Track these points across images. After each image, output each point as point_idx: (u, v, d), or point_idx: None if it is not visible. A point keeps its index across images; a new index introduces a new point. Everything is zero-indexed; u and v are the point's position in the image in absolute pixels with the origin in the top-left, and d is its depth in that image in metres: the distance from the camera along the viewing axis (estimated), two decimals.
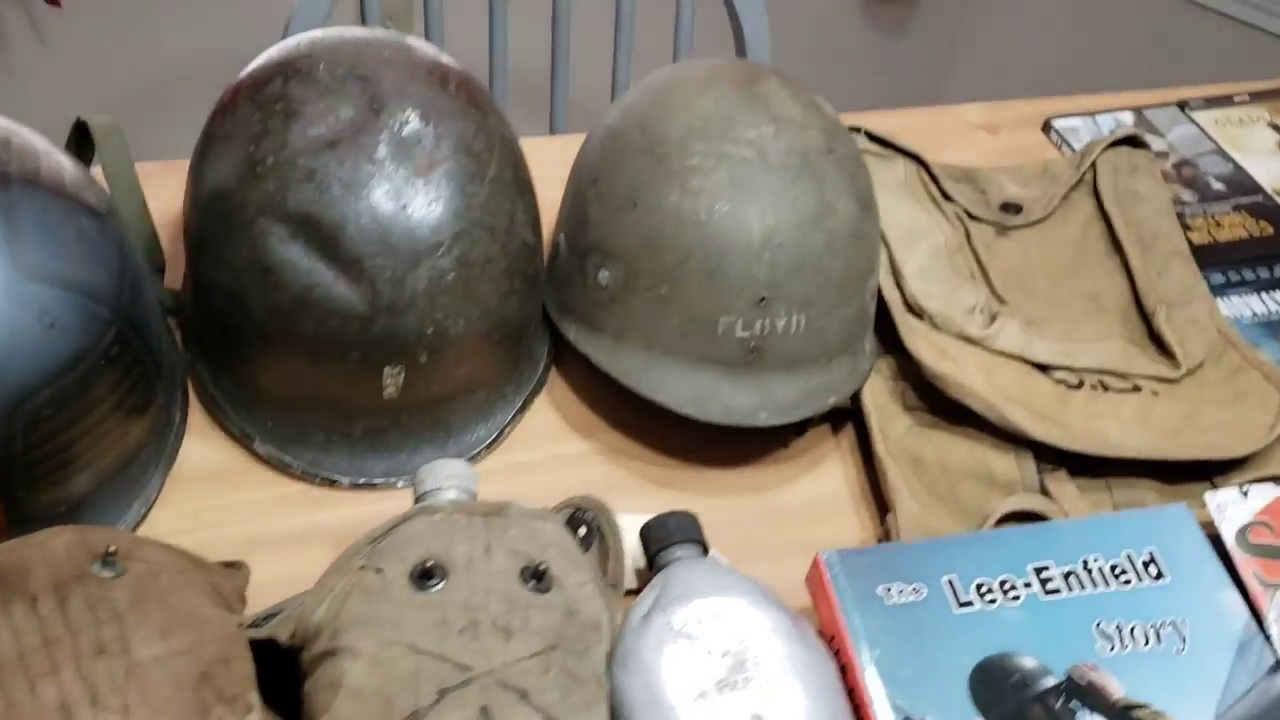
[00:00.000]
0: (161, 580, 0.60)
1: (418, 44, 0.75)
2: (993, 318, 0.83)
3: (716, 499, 0.78)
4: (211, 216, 0.71)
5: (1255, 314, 0.94)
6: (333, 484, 0.74)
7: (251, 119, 0.71)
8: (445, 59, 0.75)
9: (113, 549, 0.59)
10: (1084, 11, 2.04)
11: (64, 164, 0.68)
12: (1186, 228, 1.00)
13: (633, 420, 0.81)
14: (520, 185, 0.75)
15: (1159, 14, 1.94)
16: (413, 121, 0.70)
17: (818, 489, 0.79)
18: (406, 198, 0.69)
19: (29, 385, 0.62)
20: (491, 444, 0.77)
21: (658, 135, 0.75)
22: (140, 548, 0.61)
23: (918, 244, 0.88)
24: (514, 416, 0.78)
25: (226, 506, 0.73)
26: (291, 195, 0.68)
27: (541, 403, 0.82)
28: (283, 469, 0.74)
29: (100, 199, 0.69)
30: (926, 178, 0.94)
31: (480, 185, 0.71)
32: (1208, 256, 0.97)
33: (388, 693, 0.55)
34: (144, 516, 0.71)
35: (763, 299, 0.73)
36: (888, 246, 0.87)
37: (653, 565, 0.69)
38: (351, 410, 0.73)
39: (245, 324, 0.71)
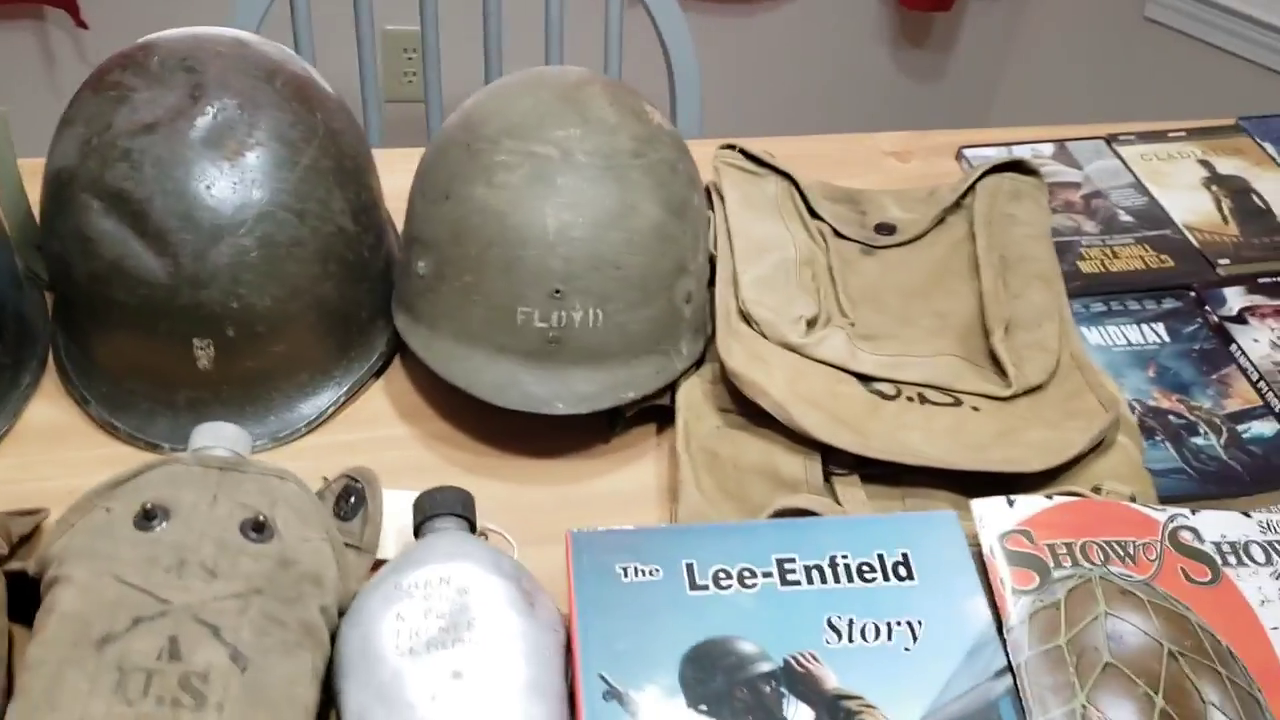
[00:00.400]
0: None
1: (261, 43, 0.81)
2: (810, 326, 0.85)
3: (525, 486, 0.80)
4: (51, 192, 0.78)
5: (1130, 343, 0.93)
6: (155, 448, 0.79)
7: (90, 104, 0.77)
8: (286, 58, 0.80)
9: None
10: (1118, 59, 2.02)
11: None
12: (1080, 257, 0.99)
13: (459, 409, 0.84)
14: (341, 175, 0.79)
15: (1210, 62, 1.92)
16: (229, 110, 0.75)
17: (628, 482, 0.81)
18: (211, 178, 0.74)
19: None
20: (313, 423, 0.81)
21: (476, 132, 0.79)
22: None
23: (764, 256, 0.90)
24: (340, 399, 0.83)
25: (56, 462, 0.79)
26: (109, 172, 0.74)
27: (377, 389, 0.86)
28: (111, 432, 0.80)
29: None
30: (797, 195, 0.96)
31: (290, 171, 0.76)
32: (1094, 284, 0.97)
33: (88, 617, 0.60)
34: None
35: (558, 291, 0.76)
36: (732, 256, 0.89)
37: (417, 535, 0.72)
38: (172, 380, 0.78)
39: (72, 291, 0.77)
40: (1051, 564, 0.70)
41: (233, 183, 0.74)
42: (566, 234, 0.76)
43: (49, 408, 0.82)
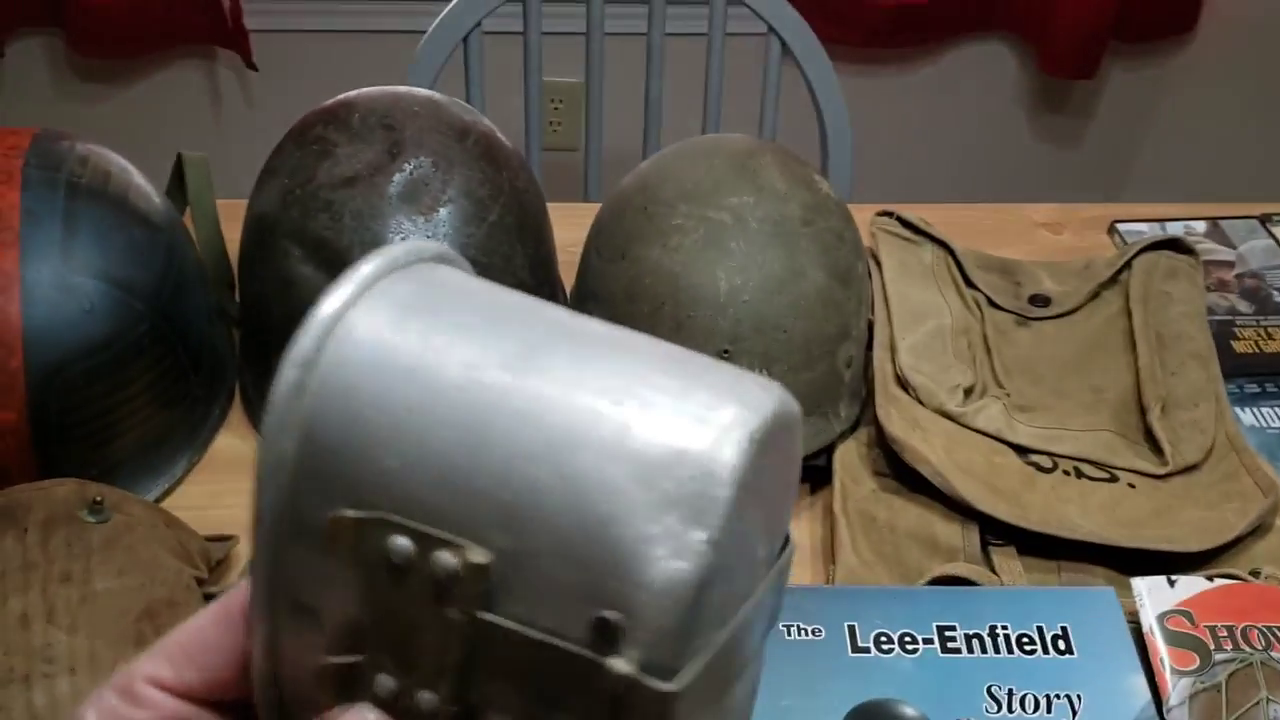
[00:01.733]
0: (135, 531, 0.69)
1: (451, 104, 0.85)
2: (967, 395, 0.86)
3: None
4: (253, 237, 0.82)
5: None
6: None
7: (293, 156, 0.82)
8: (475, 119, 0.85)
9: (100, 499, 0.69)
10: (1267, 134, 2.00)
11: (132, 183, 0.80)
12: (1233, 336, 0.99)
13: None
14: (524, 232, 0.83)
15: None
16: (424, 167, 0.79)
17: None
18: (406, 231, 0.78)
19: (66, 357, 0.74)
20: None
21: (653, 195, 0.82)
22: (127, 503, 0.71)
23: (922, 323, 0.91)
24: None
25: (243, 491, 0.83)
26: (310, 222, 0.79)
27: None
28: None
29: (160, 216, 0.81)
30: (952, 264, 0.98)
31: (478, 227, 0.80)
32: (1247, 365, 0.97)
33: None
34: (168, 491, 0.82)
35: (726, 350, 0.79)
36: (890, 323, 0.91)
37: None
38: None
39: (267, 330, 0.81)
40: (1212, 646, 0.70)
41: (425, 236, 0.78)
42: (736, 297, 0.79)
43: (236, 439, 0.87)
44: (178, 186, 0.95)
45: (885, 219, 0.99)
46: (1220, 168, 1.95)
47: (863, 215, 1.07)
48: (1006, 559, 0.78)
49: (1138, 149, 2.07)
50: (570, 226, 0.96)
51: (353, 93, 0.86)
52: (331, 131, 0.81)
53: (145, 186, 0.82)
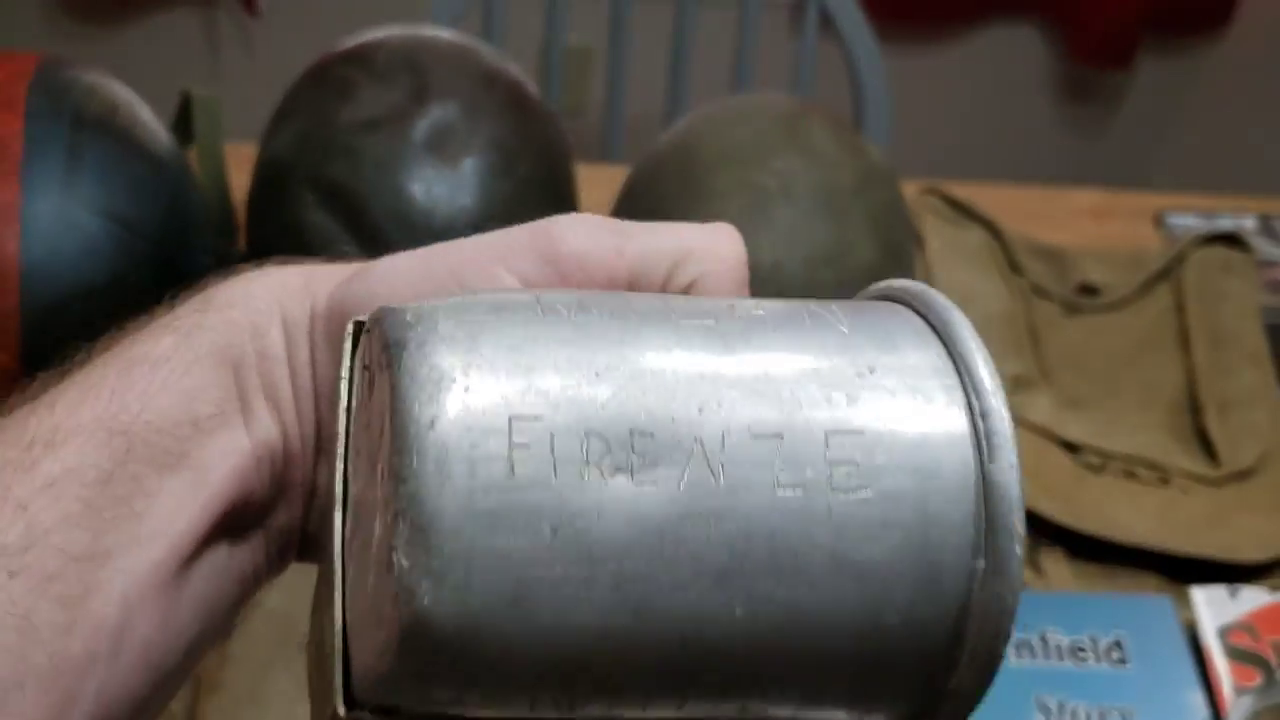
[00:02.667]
0: None
1: (479, 47, 0.80)
2: (1015, 385, 0.82)
3: None
4: (264, 179, 0.77)
5: None
6: None
7: (312, 97, 0.76)
8: (503, 66, 0.79)
9: None
10: None
11: (139, 118, 0.75)
12: None
13: None
14: (556, 188, 0.78)
15: None
16: (451, 113, 0.74)
17: None
18: (431, 181, 0.73)
19: (64, 298, 0.69)
20: None
21: (692, 157, 0.77)
22: None
23: (967, 308, 0.86)
24: None
25: None
26: (329, 167, 0.73)
27: None
28: None
29: (168, 153, 0.76)
30: (999, 248, 0.93)
31: (507, 181, 0.75)
32: None
33: (294, 616, 0.58)
34: None
35: None
36: None
37: None
38: None
39: None
40: (1276, 663, 0.66)
41: (450, 189, 0.73)
42: (777, 271, 0.74)
43: None
44: (181, 128, 0.90)
45: (929, 197, 0.94)
46: (1261, 160, 1.90)
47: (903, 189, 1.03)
48: (1055, 561, 0.74)
49: (1171, 141, 2.02)
50: (592, 187, 0.91)
51: (378, 32, 0.81)
52: (354, 71, 0.76)
53: (153, 122, 0.77)
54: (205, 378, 0.31)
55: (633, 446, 0.25)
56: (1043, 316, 0.90)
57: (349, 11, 1.81)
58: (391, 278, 0.31)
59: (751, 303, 0.29)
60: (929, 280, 0.88)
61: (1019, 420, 0.80)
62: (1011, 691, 0.64)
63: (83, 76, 0.74)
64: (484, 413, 0.25)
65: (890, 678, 0.27)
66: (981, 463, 0.26)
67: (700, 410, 0.26)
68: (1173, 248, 0.95)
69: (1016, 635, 0.66)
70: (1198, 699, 0.64)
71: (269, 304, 0.32)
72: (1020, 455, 0.26)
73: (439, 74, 0.76)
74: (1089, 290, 0.93)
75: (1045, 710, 0.63)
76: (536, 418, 0.25)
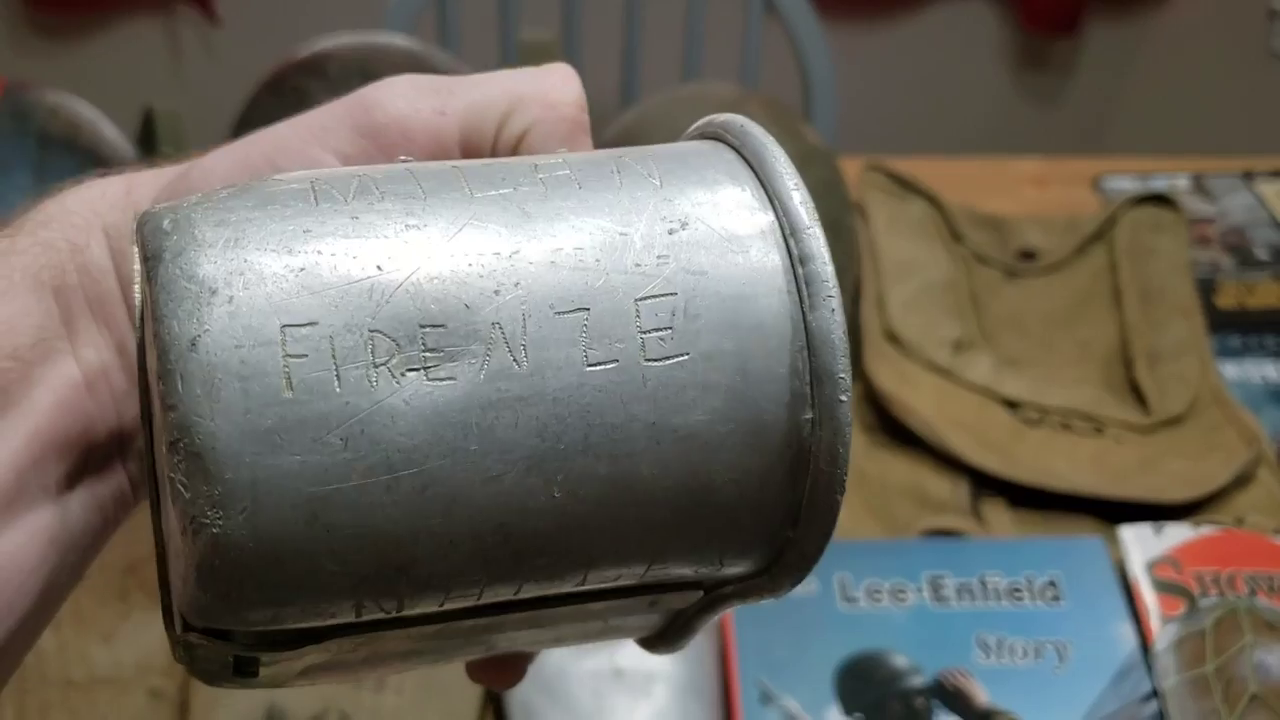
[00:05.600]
0: None
1: (432, 53, 0.84)
2: (956, 348, 0.86)
3: None
4: None
5: (1266, 380, 0.93)
6: None
7: (270, 108, 0.80)
8: (457, 68, 0.83)
9: None
10: (1243, 91, 2.01)
11: (104, 136, 0.79)
12: (1214, 291, 1.00)
13: None
14: None
15: None
16: None
17: None
18: None
19: None
20: None
21: (638, 144, 0.81)
22: None
23: (910, 277, 0.91)
24: None
25: None
26: None
27: None
28: None
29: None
30: (940, 218, 0.97)
31: None
32: (1231, 320, 0.97)
33: None
34: None
35: None
36: (878, 276, 0.90)
37: None
38: None
39: None
40: (1198, 593, 0.70)
41: None
42: None
43: None
44: (145, 142, 0.93)
45: (873, 174, 0.98)
46: (1202, 123, 1.95)
47: (846, 168, 1.07)
48: (996, 511, 0.78)
49: (1119, 105, 2.07)
50: None
51: (329, 42, 0.84)
52: (308, 80, 0.80)
53: (117, 139, 0.81)
54: (21, 305, 0.28)
55: (424, 341, 0.23)
56: (983, 282, 0.94)
57: (308, 15, 1.84)
58: (212, 174, 0.29)
59: (557, 159, 0.27)
60: (874, 252, 0.92)
61: (960, 381, 0.85)
62: (953, 632, 0.68)
63: (46, 97, 0.78)
64: (251, 324, 0.23)
65: (729, 535, 0.26)
66: (803, 312, 0.25)
67: (496, 292, 0.24)
68: (1107, 210, 1.00)
69: (957, 580, 0.70)
70: (1127, 629, 0.69)
71: (87, 217, 0.30)
72: (842, 300, 0.25)
73: None
74: (1028, 255, 0.97)
75: (985, 648, 0.68)
76: (311, 323, 0.23)
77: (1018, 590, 0.70)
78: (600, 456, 0.24)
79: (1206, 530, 0.74)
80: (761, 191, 0.26)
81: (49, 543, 0.29)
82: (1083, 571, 0.71)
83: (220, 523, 0.23)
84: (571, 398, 0.24)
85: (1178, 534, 0.72)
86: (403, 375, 0.23)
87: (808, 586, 0.70)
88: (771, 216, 0.26)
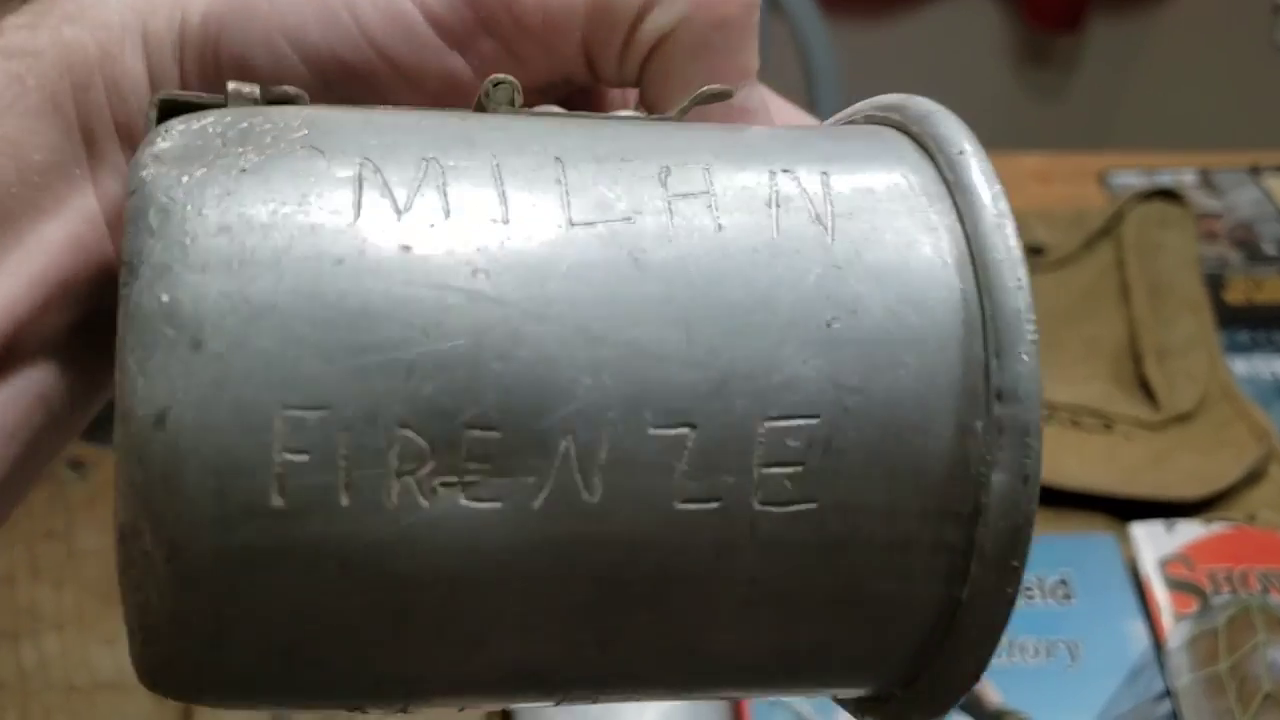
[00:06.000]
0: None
1: None
2: None
3: None
4: None
5: (1276, 375, 0.93)
6: None
7: None
8: None
9: (81, 458, 0.68)
10: (1247, 86, 2.00)
11: None
12: (1223, 287, 0.99)
13: None
14: None
15: None
16: None
17: None
18: None
19: None
20: None
21: None
22: (109, 462, 0.69)
23: None
24: None
25: None
26: None
27: None
28: None
29: None
30: None
31: None
32: (1240, 316, 0.96)
33: None
34: None
35: None
36: None
37: None
38: None
39: None
40: (1210, 590, 0.70)
41: None
42: None
43: None
44: None
45: None
46: (1207, 117, 1.94)
47: None
48: None
49: (1124, 100, 2.06)
50: None
51: None
52: None
53: None
54: (34, 120, 0.23)
55: (469, 448, 0.17)
56: None
57: None
58: (281, 5, 0.23)
59: (698, 169, 0.19)
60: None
61: None
62: None
63: None
64: (241, 401, 0.17)
65: (849, 668, 0.21)
66: (985, 463, 0.19)
67: (571, 384, 0.17)
68: (1114, 205, 0.99)
69: None
70: (1139, 628, 0.68)
71: (125, 16, 0.24)
72: (1039, 473, 0.19)
73: None
74: (1034, 251, 0.97)
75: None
76: (323, 406, 0.17)
77: (1028, 589, 0.70)
78: (674, 615, 0.18)
79: (1218, 527, 0.73)
80: (969, 265, 0.19)
81: (39, 402, 0.24)
82: (1094, 569, 0.71)
83: (173, 643, 0.19)
84: (651, 543, 0.18)
85: (1189, 531, 0.72)
86: (433, 491, 0.17)
87: None
88: (977, 316, 0.19)
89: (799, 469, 0.18)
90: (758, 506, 0.18)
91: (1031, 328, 0.19)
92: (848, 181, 0.20)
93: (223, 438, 0.17)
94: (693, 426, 0.17)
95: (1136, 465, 0.80)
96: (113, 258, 0.24)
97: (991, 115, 2.07)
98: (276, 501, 0.17)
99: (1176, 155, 1.13)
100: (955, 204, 0.20)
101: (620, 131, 0.20)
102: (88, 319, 0.24)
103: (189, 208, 0.18)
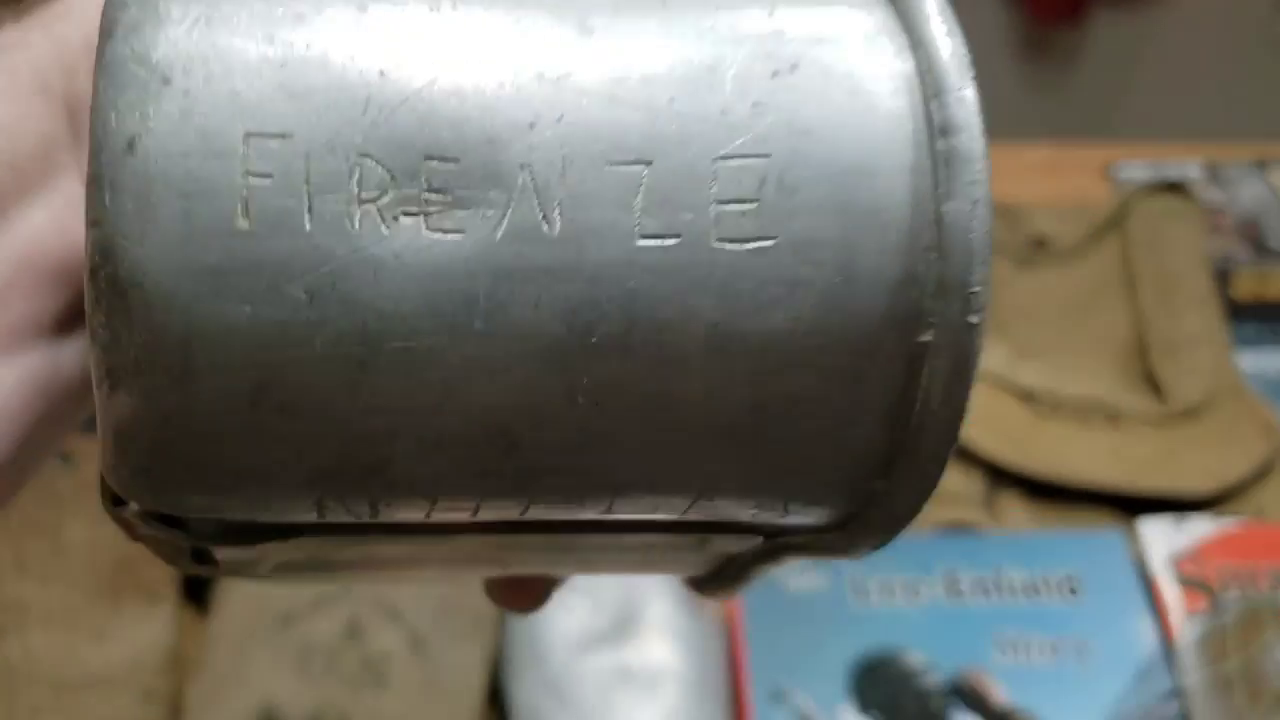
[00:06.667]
0: None
1: None
2: None
3: None
4: None
5: None
6: None
7: None
8: None
9: (70, 451, 0.66)
10: (1254, 80, 1.99)
11: None
12: (1228, 281, 0.98)
13: None
14: None
15: None
16: None
17: None
18: None
19: None
20: None
21: None
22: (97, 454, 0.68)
23: None
24: None
25: None
26: None
27: None
28: None
29: None
30: None
31: None
32: (1248, 310, 0.95)
33: (269, 595, 0.61)
34: None
35: None
36: None
37: None
38: None
39: None
40: (1220, 589, 0.69)
41: None
42: None
43: None
44: None
45: None
46: (1212, 108, 1.93)
47: None
48: (1010, 504, 0.76)
49: (1128, 92, 2.05)
50: None
51: None
52: None
53: None
54: (24, 109, 0.25)
55: (428, 179, 0.18)
56: (995, 271, 0.92)
57: None
58: None
59: None
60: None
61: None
62: (970, 630, 0.66)
63: None
64: (208, 128, 0.18)
65: (800, 477, 0.21)
66: (937, 199, 0.19)
67: (532, 125, 0.18)
68: (1120, 198, 0.98)
69: (973, 575, 0.69)
70: (1147, 625, 0.67)
71: None
72: (989, 190, 0.20)
73: None
74: (1040, 243, 0.95)
75: (1002, 646, 0.66)
76: (285, 134, 0.18)
77: (1035, 586, 0.69)
78: (642, 360, 0.19)
79: (1227, 524, 0.72)
80: (902, 34, 0.20)
81: (36, 387, 0.25)
82: (1101, 566, 0.69)
83: (142, 381, 0.18)
84: (613, 278, 0.18)
85: (1198, 528, 0.71)
86: (395, 219, 0.18)
87: (816, 581, 0.68)
88: (911, 65, 0.20)
89: (754, 205, 0.19)
90: (715, 243, 0.19)
91: (967, 67, 0.20)
92: None
93: (189, 162, 0.18)
94: (648, 164, 0.18)
95: (1144, 461, 0.79)
96: None
97: (996, 107, 2.05)
98: (241, 223, 0.18)
99: (1182, 147, 1.12)
100: None
101: None
102: (75, 305, 0.25)
103: None
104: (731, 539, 0.23)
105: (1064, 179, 1.09)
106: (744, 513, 0.22)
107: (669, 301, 0.19)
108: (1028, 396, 0.83)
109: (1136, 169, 1.09)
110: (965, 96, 0.20)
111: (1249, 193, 1.08)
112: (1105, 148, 1.12)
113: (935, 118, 0.20)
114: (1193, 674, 0.65)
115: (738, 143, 0.19)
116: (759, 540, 0.23)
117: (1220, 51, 2.00)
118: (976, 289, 0.19)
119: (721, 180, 0.19)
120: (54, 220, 0.24)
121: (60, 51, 0.25)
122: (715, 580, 0.26)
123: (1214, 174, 1.09)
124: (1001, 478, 0.77)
